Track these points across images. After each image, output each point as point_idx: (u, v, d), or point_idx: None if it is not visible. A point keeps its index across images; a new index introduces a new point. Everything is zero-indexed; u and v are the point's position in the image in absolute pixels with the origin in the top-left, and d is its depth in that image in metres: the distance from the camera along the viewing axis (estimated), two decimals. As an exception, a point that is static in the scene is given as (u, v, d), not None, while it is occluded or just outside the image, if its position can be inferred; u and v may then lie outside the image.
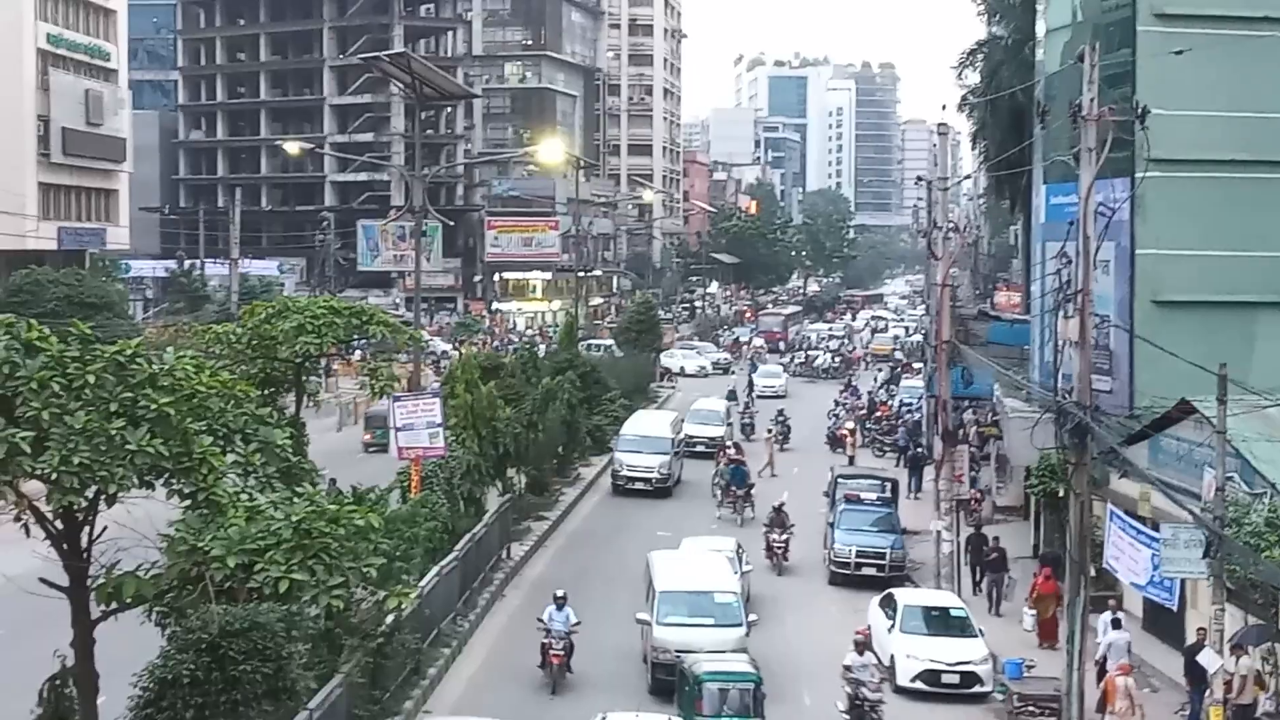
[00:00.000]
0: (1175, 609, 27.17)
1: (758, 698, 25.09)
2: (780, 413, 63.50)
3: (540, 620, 29.38)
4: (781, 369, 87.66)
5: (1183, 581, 25.45)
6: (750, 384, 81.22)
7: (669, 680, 27.48)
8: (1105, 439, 26.81)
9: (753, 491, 47.06)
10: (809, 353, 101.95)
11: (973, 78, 67.44)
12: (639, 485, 50.01)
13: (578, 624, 29.34)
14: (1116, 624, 29.20)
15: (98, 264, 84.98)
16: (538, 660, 29.23)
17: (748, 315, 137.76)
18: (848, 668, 26.92)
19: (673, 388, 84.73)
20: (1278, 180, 36.06)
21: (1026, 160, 44.68)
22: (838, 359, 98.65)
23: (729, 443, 54.37)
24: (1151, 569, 24.61)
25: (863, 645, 27.39)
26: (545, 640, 29.11)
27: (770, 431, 59.31)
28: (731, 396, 74.24)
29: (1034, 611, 33.42)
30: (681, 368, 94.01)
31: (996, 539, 37.79)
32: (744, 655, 27.33)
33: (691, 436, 58.00)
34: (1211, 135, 35.46)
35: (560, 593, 29.92)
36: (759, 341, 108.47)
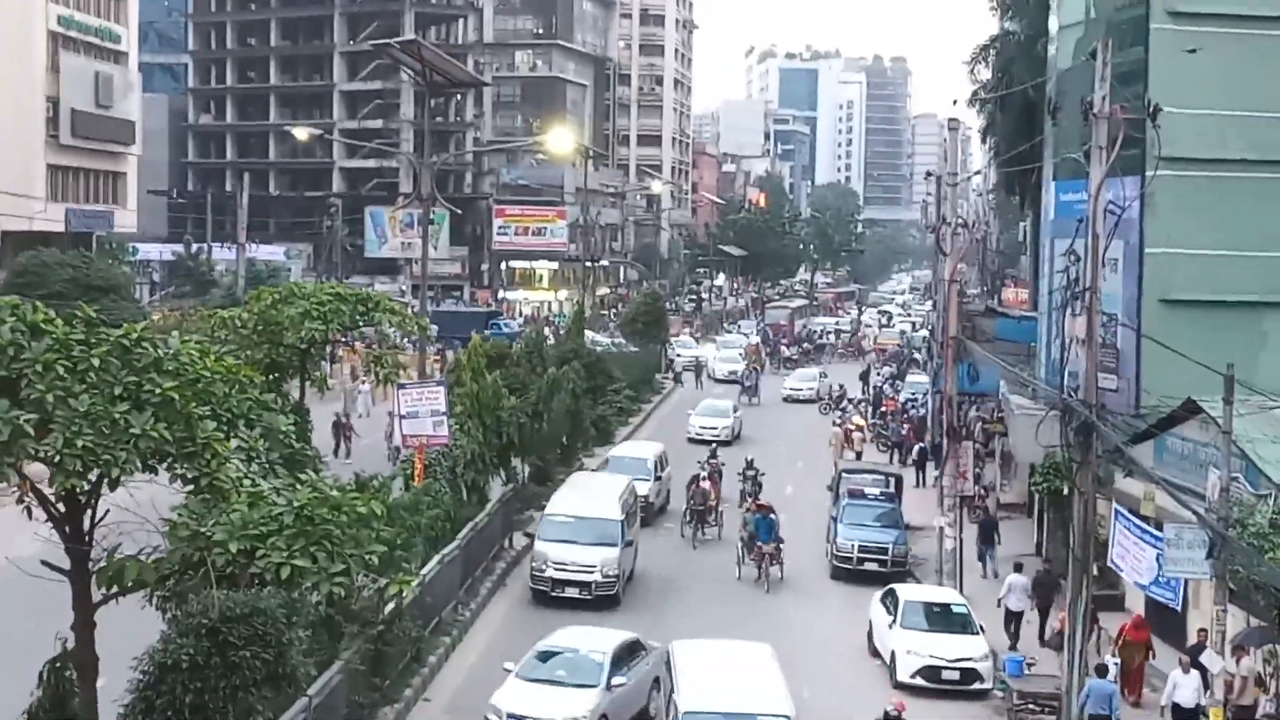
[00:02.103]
0: (1179, 609, 27.12)
1: None
2: (749, 464, 47.38)
3: None
4: (731, 406, 65.02)
5: (1185, 582, 25.43)
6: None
7: None
8: (1111, 437, 26.76)
9: (782, 547, 38.23)
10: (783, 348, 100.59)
11: (984, 73, 67.29)
12: (571, 592, 34.21)
13: None
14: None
15: (105, 246, 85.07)
16: None
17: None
18: None
19: (680, 382, 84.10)
20: (1289, 181, 35.90)
21: (1037, 157, 44.56)
22: (799, 353, 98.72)
23: (702, 481, 43.62)
24: (1156, 568, 24.57)
25: None
26: None
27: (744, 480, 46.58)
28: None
29: (1118, 660, 28.53)
30: (709, 370, 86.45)
31: (1050, 563, 34.33)
32: None
33: None
34: (1223, 134, 35.33)
35: None
36: (754, 340, 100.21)
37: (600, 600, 34.29)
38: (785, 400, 76.65)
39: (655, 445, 49.59)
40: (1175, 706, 26.10)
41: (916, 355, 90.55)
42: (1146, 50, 35.52)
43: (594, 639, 26.65)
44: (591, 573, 34.24)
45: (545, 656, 26.03)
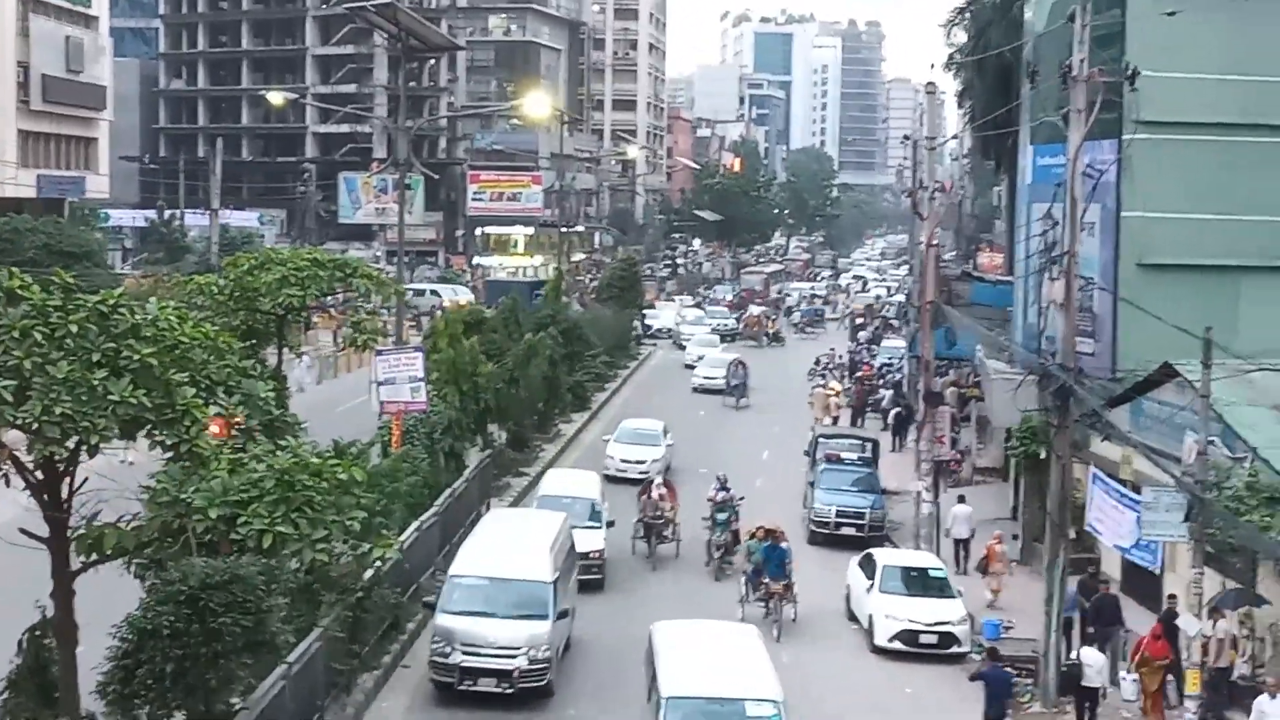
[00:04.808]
0: (1157, 572, 27.27)
1: None
2: (722, 504, 36.43)
3: None
4: (662, 428, 48.90)
5: (1162, 545, 25.56)
6: None
7: None
8: (1088, 401, 26.85)
9: (794, 584, 31.51)
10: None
11: (960, 36, 67.27)
12: (486, 684, 25.14)
13: None
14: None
15: (77, 213, 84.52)
16: None
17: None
18: None
19: (654, 345, 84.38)
20: (1265, 144, 36.00)
21: (1013, 121, 44.55)
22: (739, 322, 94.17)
23: (657, 486, 37.16)
24: (1136, 531, 24.68)
25: None
26: None
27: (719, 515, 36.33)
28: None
29: (1136, 676, 26.04)
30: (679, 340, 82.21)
31: (1106, 584, 30.97)
32: None
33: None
34: (1200, 98, 35.36)
35: None
36: (756, 310, 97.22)
37: (525, 694, 25.43)
38: (695, 391, 66.45)
39: (592, 476, 38.66)
40: None
41: (893, 321, 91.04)
42: (1124, 13, 35.48)
43: None
44: (514, 657, 25.21)
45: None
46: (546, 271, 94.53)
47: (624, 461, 45.47)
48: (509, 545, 28.00)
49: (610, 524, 35.06)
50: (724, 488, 37.40)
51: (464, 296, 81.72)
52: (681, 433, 51.00)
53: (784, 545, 32.18)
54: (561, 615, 26.52)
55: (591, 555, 32.82)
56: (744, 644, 23.53)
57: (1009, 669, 25.98)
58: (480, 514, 36.67)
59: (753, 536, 32.91)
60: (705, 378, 67.09)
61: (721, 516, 35.89)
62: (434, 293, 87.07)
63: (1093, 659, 25.53)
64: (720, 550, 35.33)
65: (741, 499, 37.12)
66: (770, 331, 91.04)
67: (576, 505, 34.28)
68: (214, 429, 16.44)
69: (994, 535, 34.86)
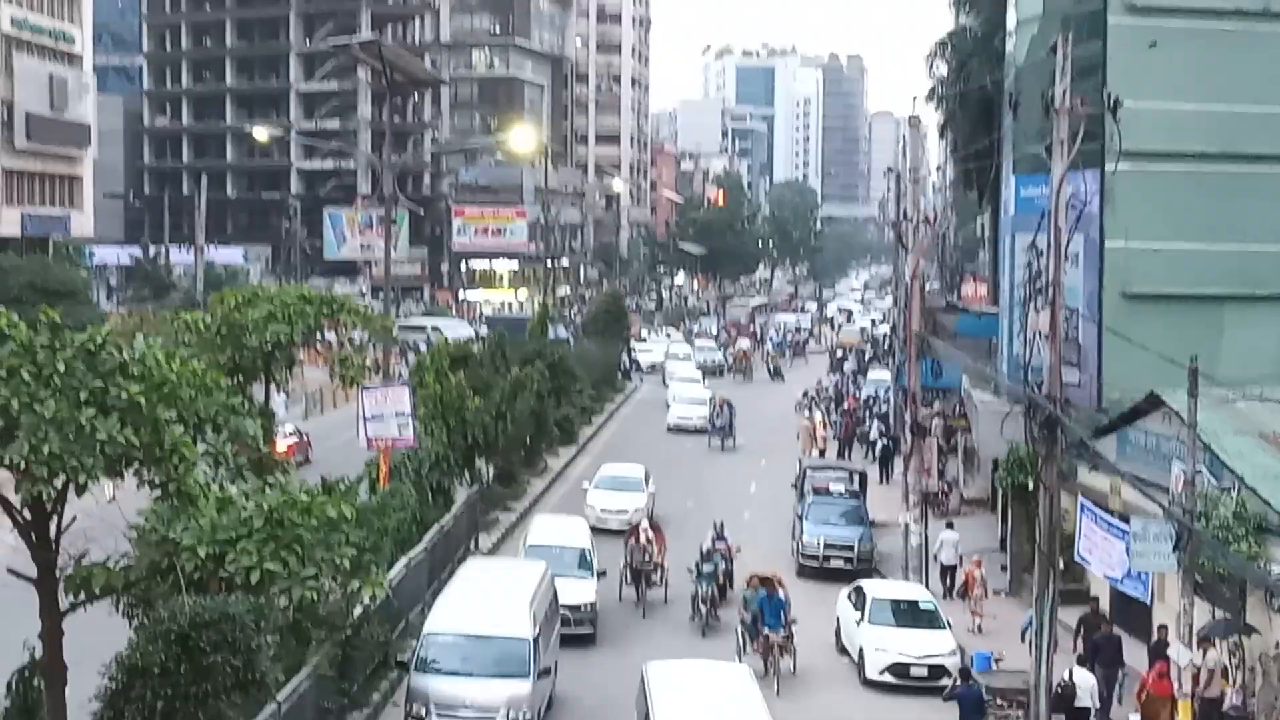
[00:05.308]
0: (1148, 602, 27.28)
1: None
2: (708, 554, 34.79)
3: None
4: (644, 473, 46.09)
5: (1151, 574, 25.60)
6: None
7: None
8: (1075, 431, 26.88)
9: (794, 632, 30.20)
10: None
11: (942, 69, 67.49)
12: None
13: None
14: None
15: (61, 251, 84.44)
16: None
17: None
18: None
19: (640, 379, 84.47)
20: (1246, 173, 36.23)
21: (995, 152, 44.74)
22: (728, 357, 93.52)
23: (644, 530, 35.82)
24: (1126, 561, 24.71)
25: None
26: None
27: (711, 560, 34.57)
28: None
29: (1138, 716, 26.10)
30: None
31: (1110, 623, 29.66)
32: None
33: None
34: (1181, 128, 35.57)
35: None
36: (745, 344, 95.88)
37: None
38: (670, 430, 64.02)
39: (581, 523, 37.36)
40: None
41: (866, 350, 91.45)
42: (1104, 44, 35.69)
43: None
44: (493, 718, 24.29)
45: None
46: (532, 305, 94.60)
47: (604, 511, 43.18)
48: (487, 599, 26.73)
49: (602, 574, 33.45)
50: (720, 536, 36.06)
51: (464, 333, 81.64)
52: (667, 467, 51.03)
53: (781, 594, 30.68)
54: (543, 673, 25.47)
55: (582, 608, 31.59)
56: (737, 684, 23.11)
57: (974, 683, 26.47)
58: (469, 550, 36.62)
59: (749, 585, 31.62)
60: (680, 417, 64.08)
61: (707, 568, 33.92)
62: (435, 329, 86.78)
63: (1084, 680, 25.77)
64: (706, 604, 33.53)
65: (738, 550, 36.29)
66: (773, 366, 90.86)
67: (566, 554, 33.11)
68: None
69: (974, 560, 35.42)
